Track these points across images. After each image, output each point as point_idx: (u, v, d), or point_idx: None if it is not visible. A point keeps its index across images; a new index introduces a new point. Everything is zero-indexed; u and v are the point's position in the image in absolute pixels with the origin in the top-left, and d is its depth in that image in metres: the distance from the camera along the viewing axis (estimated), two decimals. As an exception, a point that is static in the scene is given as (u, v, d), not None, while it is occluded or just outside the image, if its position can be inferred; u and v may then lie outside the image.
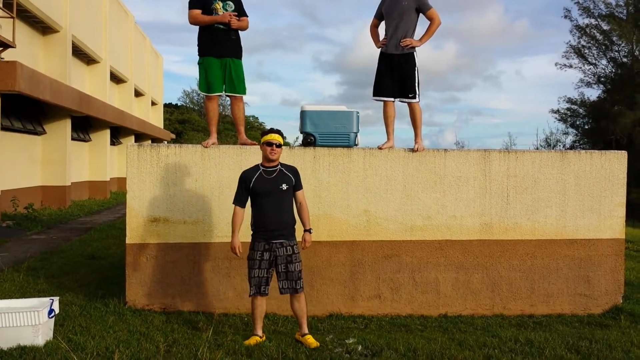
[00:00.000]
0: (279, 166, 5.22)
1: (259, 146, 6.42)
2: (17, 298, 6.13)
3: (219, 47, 6.35)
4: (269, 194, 5.11)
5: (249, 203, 5.24)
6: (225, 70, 6.41)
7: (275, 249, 5.12)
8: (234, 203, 5.24)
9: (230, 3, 6.32)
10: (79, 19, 19.46)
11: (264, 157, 5.22)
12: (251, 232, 5.22)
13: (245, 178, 5.19)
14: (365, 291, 6.52)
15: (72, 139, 19.50)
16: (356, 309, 6.51)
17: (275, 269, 5.18)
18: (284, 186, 5.13)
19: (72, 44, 18.92)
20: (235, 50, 6.44)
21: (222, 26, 6.32)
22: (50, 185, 17.79)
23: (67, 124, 18.24)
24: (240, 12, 6.43)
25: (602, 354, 5.08)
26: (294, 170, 5.28)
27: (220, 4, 6.28)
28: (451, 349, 5.08)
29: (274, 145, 5.13)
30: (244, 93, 6.55)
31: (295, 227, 5.29)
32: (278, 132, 5.21)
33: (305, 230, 5.25)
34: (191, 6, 6.33)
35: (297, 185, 5.26)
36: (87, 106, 18.63)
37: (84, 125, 22.11)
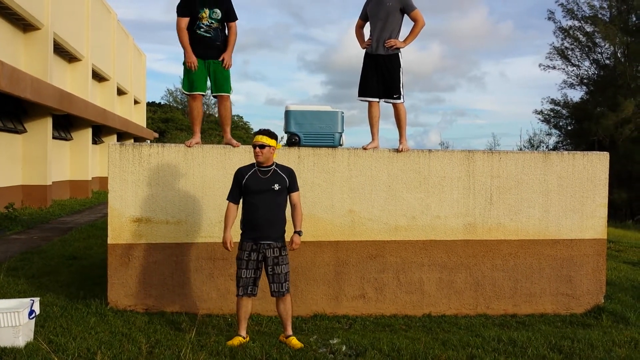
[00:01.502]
0: (274, 166, 5.18)
1: (243, 147, 6.40)
2: (-4, 299, 6.03)
3: (204, 51, 6.33)
4: (260, 193, 5.06)
5: None
6: (209, 70, 6.37)
7: (263, 249, 5.09)
8: (227, 199, 5.22)
9: (217, 11, 6.25)
10: (60, 17, 19.22)
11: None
12: (240, 232, 5.19)
13: (238, 174, 5.17)
14: (349, 291, 6.52)
15: (53, 137, 19.26)
16: (340, 309, 6.50)
17: (265, 270, 5.16)
18: (276, 186, 5.09)
19: (54, 41, 18.68)
20: (220, 54, 6.39)
21: (207, 35, 6.27)
22: (30, 185, 17.53)
23: (48, 123, 18.00)
24: (229, 16, 6.36)
25: (584, 353, 5.12)
26: (289, 172, 5.22)
27: (207, 11, 6.22)
28: (435, 349, 5.09)
29: (257, 147, 5.08)
30: (229, 92, 6.51)
31: (286, 229, 5.26)
32: (265, 132, 5.13)
33: (295, 232, 5.19)
34: (179, 13, 6.26)
35: (292, 187, 5.19)
36: (68, 104, 18.40)
37: (66, 123, 21.86)
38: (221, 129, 6.78)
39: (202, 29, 6.26)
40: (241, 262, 5.12)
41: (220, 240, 6.26)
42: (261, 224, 5.06)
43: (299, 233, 5.19)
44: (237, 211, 5.21)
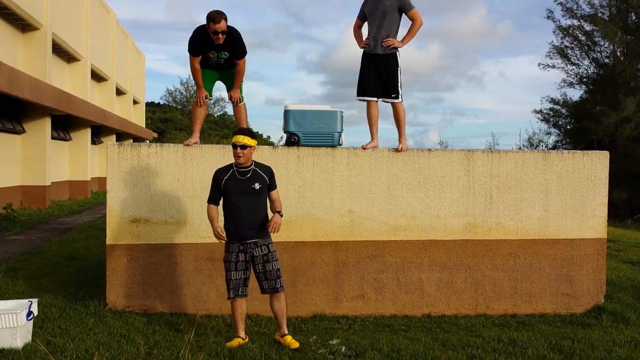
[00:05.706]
0: (253, 166, 5.09)
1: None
2: (-6, 300, 6.01)
3: (215, 68, 6.40)
4: (241, 194, 4.99)
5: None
6: (220, 78, 6.51)
7: (250, 249, 5.03)
8: (208, 202, 5.13)
9: (225, 53, 6.22)
10: (59, 17, 19.19)
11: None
12: (224, 234, 5.11)
13: (217, 177, 5.08)
14: (349, 292, 6.50)
15: (52, 138, 19.24)
16: (340, 309, 6.48)
17: (254, 270, 5.10)
18: (257, 186, 5.00)
19: (53, 41, 18.64)
20: (231, 66, 6.42)
21: (217, 64, 6.30)
22: (29, 185, 17.50)
23: (47, 123, 17.97)
24: (237, 55, 6.26)
25: (584, 353, 5.10)
26: (269, 171, 5.15)
27: (215, 53, 6.20)
28: (435, 349, 5.07)
29: (239, 148, 4.96)
30: (242, 102, 6.63)
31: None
32: (245, 132, 5.02)
33: (275, 212, 5.05)
34: (191, 52, 6.21)
35: (271, 186, 5.12)
36: (67, 105, 18.37)
37: (64, 124, 21.83)
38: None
39: (211, 61, 6.29)
40: (230, 265, 5.05)
41: (217, 241, 6.24)
42: (244, 227, 4.99)
43: (279, 213, 5.05)
44: (218, 210, 5.11)
